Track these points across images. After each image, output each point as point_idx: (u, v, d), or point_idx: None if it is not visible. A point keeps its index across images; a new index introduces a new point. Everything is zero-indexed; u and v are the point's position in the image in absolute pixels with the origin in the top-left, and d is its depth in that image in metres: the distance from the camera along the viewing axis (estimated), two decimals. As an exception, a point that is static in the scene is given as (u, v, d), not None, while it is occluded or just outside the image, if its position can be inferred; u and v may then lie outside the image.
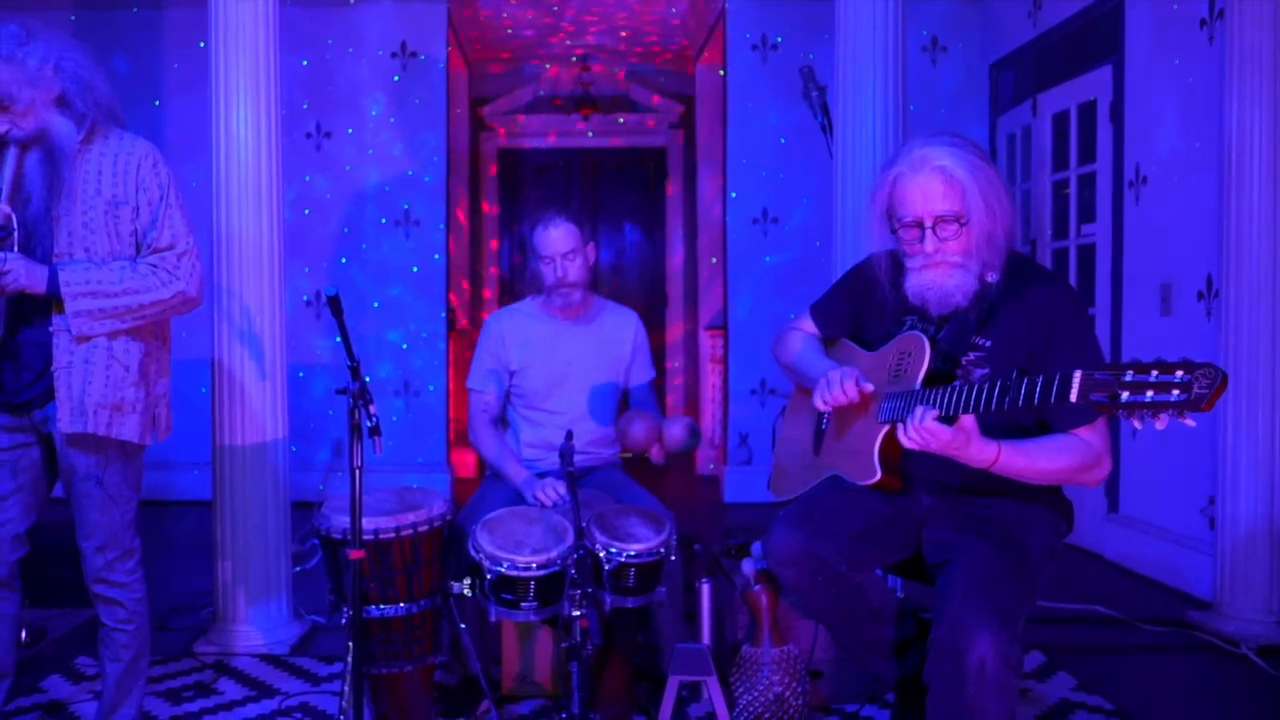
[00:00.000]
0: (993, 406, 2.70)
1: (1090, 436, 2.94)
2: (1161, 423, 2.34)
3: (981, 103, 8.30)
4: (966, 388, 2.79)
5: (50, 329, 3.24)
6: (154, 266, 3.33)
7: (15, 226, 3.17)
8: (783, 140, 8.43)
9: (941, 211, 3.01)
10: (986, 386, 2.72)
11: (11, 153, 3.17)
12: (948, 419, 2.78)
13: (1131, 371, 2.35)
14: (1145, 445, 6.19)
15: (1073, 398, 2.47)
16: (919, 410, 2.80)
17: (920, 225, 3.05)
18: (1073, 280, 6.90)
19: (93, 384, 3.25)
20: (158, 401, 3.47)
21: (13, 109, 3.15)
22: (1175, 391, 2.29)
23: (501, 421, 4.52)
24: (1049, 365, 2.89)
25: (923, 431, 2.76)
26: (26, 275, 3.14)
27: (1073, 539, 3.46)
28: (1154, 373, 2.32)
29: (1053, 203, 7.23)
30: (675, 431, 4.12)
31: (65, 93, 3.24)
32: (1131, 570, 6.24)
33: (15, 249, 3.16)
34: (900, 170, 3.09)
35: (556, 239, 4.31)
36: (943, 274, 3.06)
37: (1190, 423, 2.32)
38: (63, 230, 3.27)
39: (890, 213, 3.13)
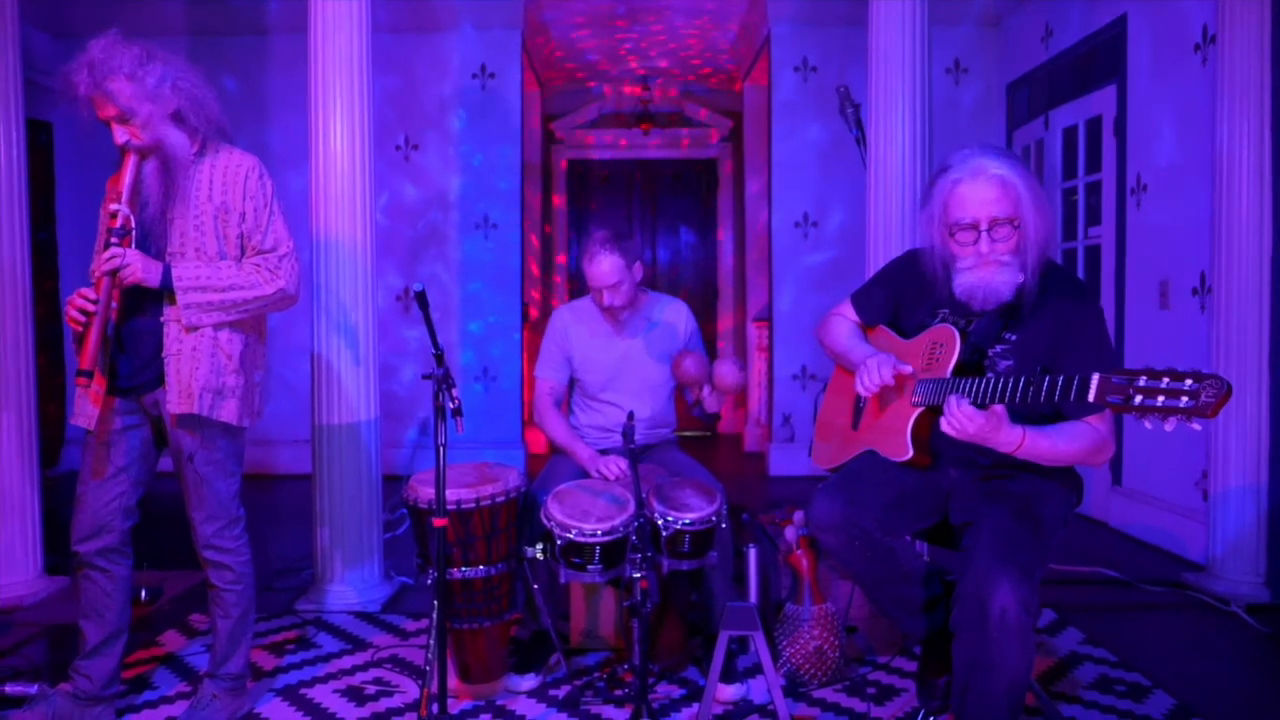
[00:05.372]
0: (1017, 399, 2.73)
1: (1100, 424, 2.95)
2: (1170, 425, 2.37)
3: (998, 118, 8.23)
4: (995, 378, 2.81)
5: (161, 319, 3.28)
6: (258, 266, 3.36)
7: (134, 227, 3.21)
8: (821, 152, 8.38)
9: (997, 214, 2.99)
10: (1013, 380, 2.74)
11: (132, 161, 3.22)
12: (979, 406, 2.79)
13: (1145, 377, 2.39)
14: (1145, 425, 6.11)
15: (1090, 397, 2.50)
16: (954, 399, 2.81)
17: (976, 228, 3.02)
18: (1080, 277, 6.80)
19: (199, 370, 3.28)
20: (254, 389, 3.49)
21: (133, 121, 3.18)
22: (1184, 399, 2.33)
23: (564, 405, 4.50)
24: (1067, 362, 2.94)
25: (960, 418, 2.77)
26: (143, 269, 3.18)
27: (1080, 509, 3.44)
28: (1165, 380, 2.36)
29: (1063, 208, 7.16)
30: (725, 368, 4.08)
31: (180, 109, 3.27)
32: (1133, 537, 6.25)
33: (134, 247, 3.20)
34: (958, 177, 3.05)
35: (601, 275, 4.21)
36: (992, 272, 3.03)
37: (1196, 427, 2.35)
38: (175, 231, 3.31)
39: (944, 215, 3.10)
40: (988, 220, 3.00)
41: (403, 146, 8.43)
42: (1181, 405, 2.32)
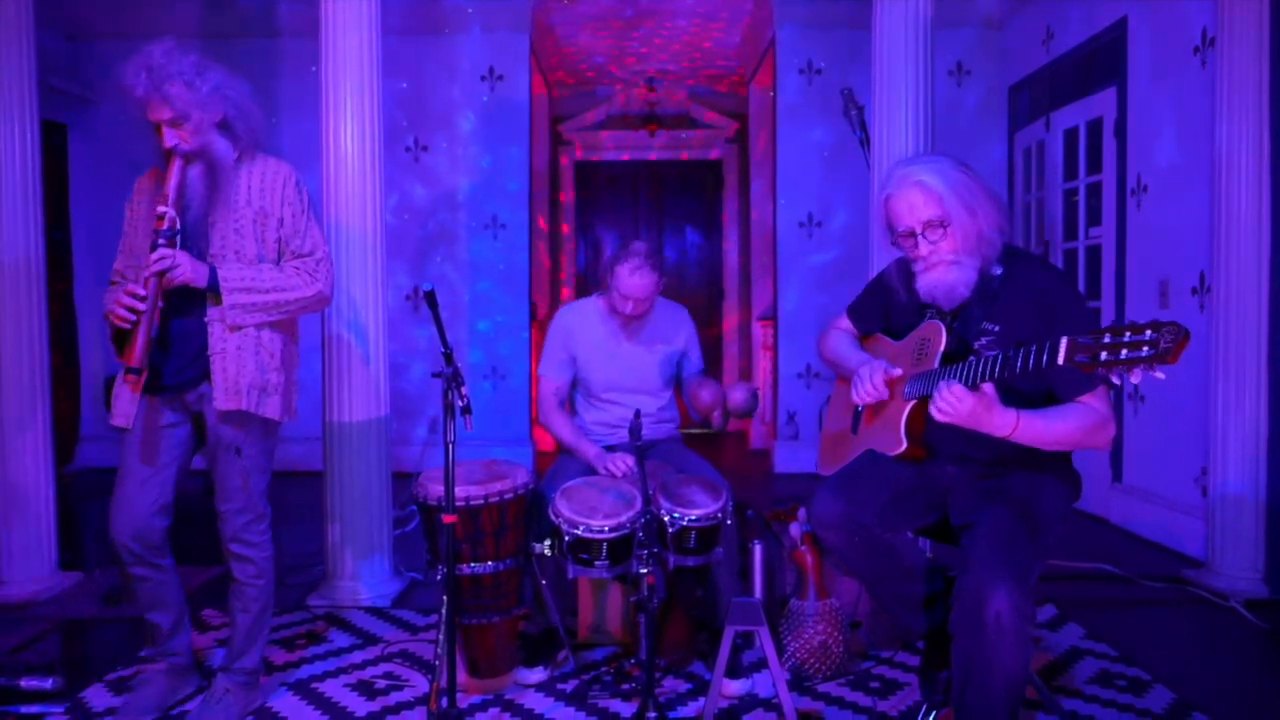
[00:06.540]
0: (996, 374, 2.75)
1: (1094, 401, 2.94)
2: (1135, 376, 2.38)
3: (1000, 121, 8.23)
4: (976, 360, 2.84)
5: (205, 319, 3.33)
6: (297, 269, 3.45)
7: (178, 229, 3.24)
8: (825, 153, 8.38)
9: (927, 218, 3.05)
10: (990, 359, 2.77)
11: (177, 164, 3.27)
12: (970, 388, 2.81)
13: (1109, 334, 2.42)
14: (1145, 422, 6.16)
15: (1060, 359, 2.53)
16: (941, 384, 2.82)
17: (912, 234, 3.09)
18: (1081, 277, 6.88)
19: (245, 367, 3.35)
20: (293, 386, 3.58)
21: (184, 126, 3.25)
22: (1145, 348, 2.34)
23: (568, 404, 4.50)
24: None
25: (949, 399, 2.78)
26: (191, 270, 3.23)
27: (1081, 505, 3.44)
28: (1127, 334, 2.38)
29: (1064, 209, 7.17)
30: (737, 395, 4.10)
31: (227, 117, 3.35)
32: (1133, 533, 6.25)
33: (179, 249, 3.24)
34: (888, 191, 3.14)
35: (638, 288, 4.17)
36: (942, 272, 3.09)
37: (1159, 375, 2.36)
38: (216, 235, 3.36)
39: (890, 228, 3.18)
40: (920, 225, 3.06)
41: (412, 148, 8.44)
42: (1144, 355, 2.34)
